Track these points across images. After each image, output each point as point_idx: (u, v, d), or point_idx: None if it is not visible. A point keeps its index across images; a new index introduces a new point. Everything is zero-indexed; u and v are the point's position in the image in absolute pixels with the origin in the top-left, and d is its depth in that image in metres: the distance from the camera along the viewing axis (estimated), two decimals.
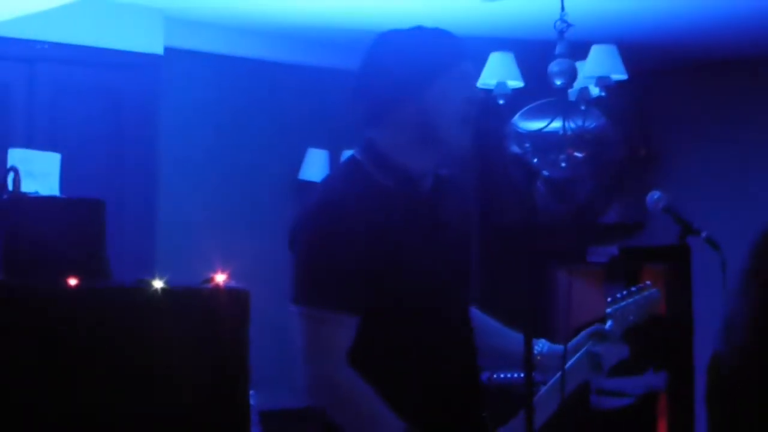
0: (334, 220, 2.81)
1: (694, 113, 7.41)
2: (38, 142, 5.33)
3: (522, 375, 2.65)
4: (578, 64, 5.23)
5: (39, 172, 2.98)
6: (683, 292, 7.26)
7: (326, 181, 3.08)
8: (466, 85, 2.96)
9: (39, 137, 5.49)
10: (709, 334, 2.69)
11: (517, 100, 5.37)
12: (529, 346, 2.64)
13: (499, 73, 5.32)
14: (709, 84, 7.32)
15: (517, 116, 5.34)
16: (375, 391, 2.80)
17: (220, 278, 2.37)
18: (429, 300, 2.89)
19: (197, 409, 2.33)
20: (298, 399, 2.87)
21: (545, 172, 5.28)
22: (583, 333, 3.29)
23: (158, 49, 6.01)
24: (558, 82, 5.22)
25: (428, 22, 3.00)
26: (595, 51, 5.26)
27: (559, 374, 3.08)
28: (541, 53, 5.26)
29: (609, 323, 3.31)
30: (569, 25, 5.24)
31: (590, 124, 5.26)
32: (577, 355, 3.23)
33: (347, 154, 3.10)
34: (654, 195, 4.20)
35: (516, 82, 5.37)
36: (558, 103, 5.29)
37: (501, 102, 5.28)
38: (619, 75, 5.24)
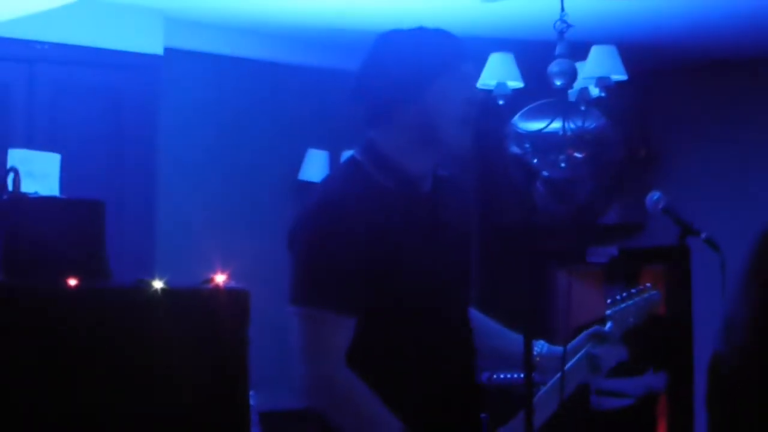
0: (333, 221, 2.81)
1: (694, 113, 7.41)
2: (38, 142, 5.33)
3: (521, 375, 2.65)
4: (578, 65, 5.23)
5: (39, 173, 2.98)
6: (683, 293, 7.26)
7: (326, 181, 3.08)
8: (467, 86, 2.96)
9: (39, 138, 5.49)
10: (709, 334, 2.69)
11: (517, 100, 5.37)
12: (528, 347, 2.64)
13: (499, 73, 5.32)
14: (708, 84, 7.33)
15: (516, 117, 5.34)
16: (373, 392, 2.80)
17: (220, 279, 2.37)
18: (429, 300, 2.89)
19: (197, 410, 2.33)
20: (297, 399, 2.86)
21: (545, 173, 5.28)
22: (582, 335, 3.28)
23: (158, 50, 6.01)
24: (558, 83, 5.22)
25: (428, 23, 3.00)
26: (595, 51, 5.26)
27: (558, 375, 3.07)
28: (541, 54, 5.26)
29: (608, 325, 3.31)
30: (569, 26, 5.25)
31: (590, 124, 5.26)
32: (577, 356, 3.23)
33: (347, 154, 3.10)
34: (653, 196, 4.20)
35: (516, 83, 5.37)
36: (558, 103, 5.29)
37: (501, 102, 5.28)
38: (619, 75, 5.24)
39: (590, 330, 3.29)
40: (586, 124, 5.24)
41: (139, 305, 2.28)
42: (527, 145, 5.26)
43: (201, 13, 6.24)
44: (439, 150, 2.94)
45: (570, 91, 5.29)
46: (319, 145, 6.87)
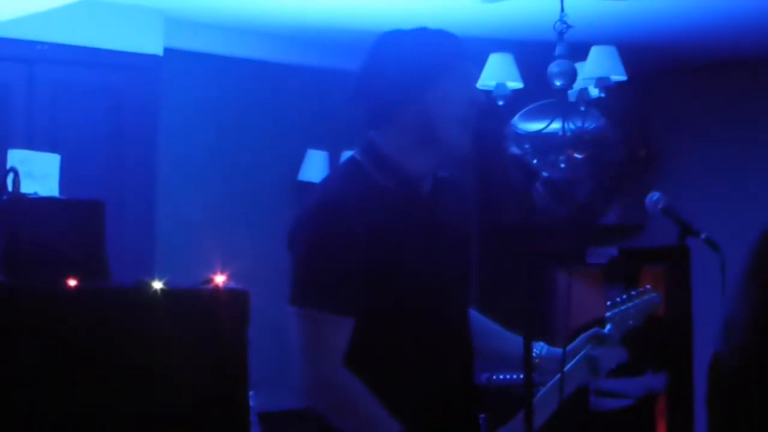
0: (333, 221, 2.80)
1: (694, 114, 7.41)
2: (38, 142, 5.33)
3: (521, 376, 2.65)
4: (578, 65, 5.24)
5: (38, 173, 2.98)
6: (682, 294, 7.26)
7: (326, 181, 3.08)
8: (468, 87, 2.96)
9: (39, 138, 5.49)
10: (709, 335, 2.69)
11: (516, 101, 5.37)
12: (528, 348, 2.64)
13: (498, 74, 5.32)
14: (708, 84, 7.33)
15: (516, 117, 5.34)
16: (373, 392, 2.80)
17: (220, 279, 2.37)
18: (428, 300, 2.89)
19: (197, 410, 2.33)
20: (297, 400, 2.87)
21: (545, 173, 5.28)
22: (582, 336, 3.28)
23: (158, 50, 6.01)
24: (557, 83, 5.22)
25: (428, 23, 3.00)
26: (595, 52, 5.27)
27: (557, 377, 3.07)
28: (541, 54, 5.26)
29: (608, 327, 3.31)
30: (569, 27, 5.25)
31: (590, 125, 5.27)
32: (576, 358, 3.22)
33: (347, 155, 3.10)
34: (653, 196, 4.19)
35: (515, 83, 5.37)
36: (557, 104, 5.30)
37: (500, 103, 5.28)
38: (619, 76, 5.25)
39: (590, 332, 3.29)
40: (586, 125, 5.24)
41: (139, 306, 2.28)
42: (527, 146, 5.27)
43: (201, 13, 6.24)
44: (439, 150, 2.94)
45: (570, 92, 5.29)
46: (318, 146, 6.87)
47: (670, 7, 5.99)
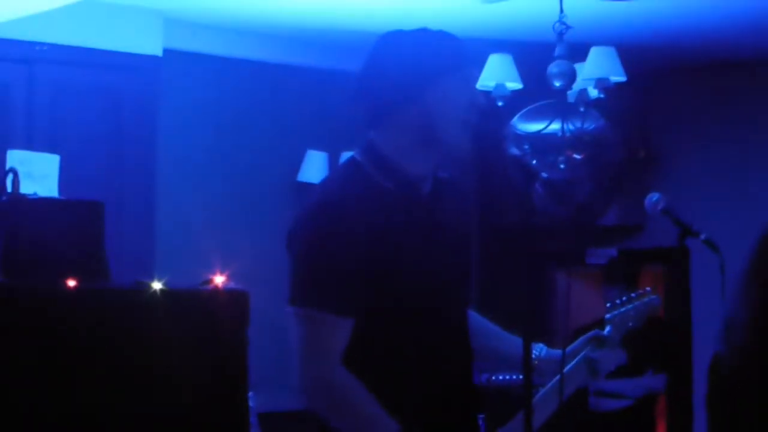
0: (333, 221, 2.80)
1: (694, 114, 7.42)
2: (37, 143, 5.34)
3: (520, 377, 2.65)
4: (577, 66, 5.24)
5: (38, 174, 2.98)
6: (682, 294, 7.26)
7: (325, 182, 3.08)
8: (468, 88, 2.95)
9: (38, 138, 5.49)
10: (708, 335, 2.69)
11: (516, 101, 5.37)
12: (528, 348, 2.64)
13: (498, 74, 5.32)
14: (708, 85, 7.33)
15: (516, 118, 5.34)
16: (372, 392, 2.80)
17: (219, 280, 2.37)
18: (428, 301, 2.89)
19: (196, 411, 2.33)
20: (296, 401, 2.87)
21: (544, 174, 5.28)
22: (581, 338, 3.28)
23: (157, 51, 6.01)
24: (557, 84, 5.22)
25: (427, 24, 3.00)
26: (594, 53, 5.27)
27: (557, 378, 3.07)
28: (540, 55, 5.26)
29: (608, 329, 3.31)
30: (568, 27, 5.25)
31: (589, 125, 5.27)
32: (575, 360, 3.22)
33: (346, 155, 3.10)
34: (653, 197, 4.20)
35: (515, 84, 5.37)
36: (557, 104, 5.30)
37: (500, 103, 5.29)
38: (618, 77, 5.25)
39: (589, 333, 3.29)
40: (585, 126, 5.24)
41: (139, 306, 2.28)
42: (526, 147, 5.27)
43: (200, 14, 6.24)
44: (439, 151, 2.94)
45: (569, 93, 5.29)
46: (318, 146, 6.87)
47: (669, 8, 5.99)
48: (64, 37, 5.70)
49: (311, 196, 2.94)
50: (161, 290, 2.27)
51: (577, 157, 5.30)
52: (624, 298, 3.40)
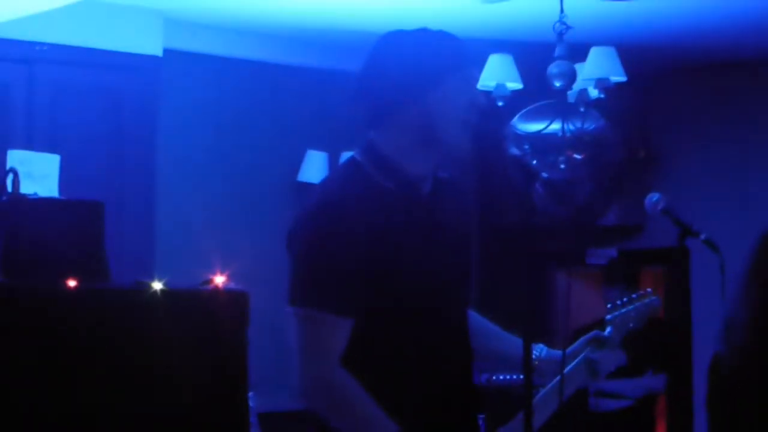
0: (333, 221, 2.80)
1: (694, 114, 7.42)
2: (37, 143, 5.34)
3: (521, 377, 2.65)
4: (577, 66, 5.24)
5: (38, 174, 2.98)
6: (682, 294, 7.26)
7: (325, 182, 3.08)
8: (469, 89, 2.95)
9: (38, 138, 5.49)
10: (708, 335, 2.69)
11: (516, 101, 5.37)
12: (528, 348, 2.64)
13: (498, 74, 5.32)
14: (708, 85, 7.33)
15: (516, 118, 5.34)
16: (372, 392, 2.80)
17: (219, 280, 2.37)
18: (428, 301, 2.89)
19: (196, 411, 2.33)
20: (296, 401, 2.86)
21: (544, 174, 5.28)
22: (581, 339, 3.28)
23: (157, 51, 6.01)
24: (557, 84, 5.22)
25: (427, 24, 3.00)
26: (594, 53, 5.26)
27: (557, 378, 3.07)
28: (541, 55, 5.26)
29: (608, 330, 3.31)
30: (568, 27, 5.25)
31: (589, 125, 5.27)
32: (575, 361, 3.22)
33: (346, 155, 3.10)
34: (653, 197, 4.20)
35: (515, 84, 5.37)
36: (557, 104, 5.30)
37: (500, 104, 5.28)
38: (618, 77, 5.24)
39: (589, 334, 3.29)
40: (586, 126, 5.24)
41: (139, 306, 2.28)
42: (526, 147, 5.27)
43: (200, 14, 6.24)
44: (439, 151, 2.94)
45: (569, 93, 5.29)
46: (318, 147, 6.88)
47: (669, 8, 5.99)
48: (64, 37, 5.70)
49: (311, 196, 2.93)
50: (161, 290, 2.27)
51: (578, 157, 5.30)
52: (624, 299, 3.40)
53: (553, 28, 5.26)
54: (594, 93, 5.25)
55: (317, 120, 6.94)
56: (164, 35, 6.05)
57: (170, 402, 2.30)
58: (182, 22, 6.26)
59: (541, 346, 3.20)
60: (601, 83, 5.19)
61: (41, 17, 5.50)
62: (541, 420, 3.05)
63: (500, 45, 5.54)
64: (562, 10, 5.28)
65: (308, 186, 6.65)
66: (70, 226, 2.41)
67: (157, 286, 2.28)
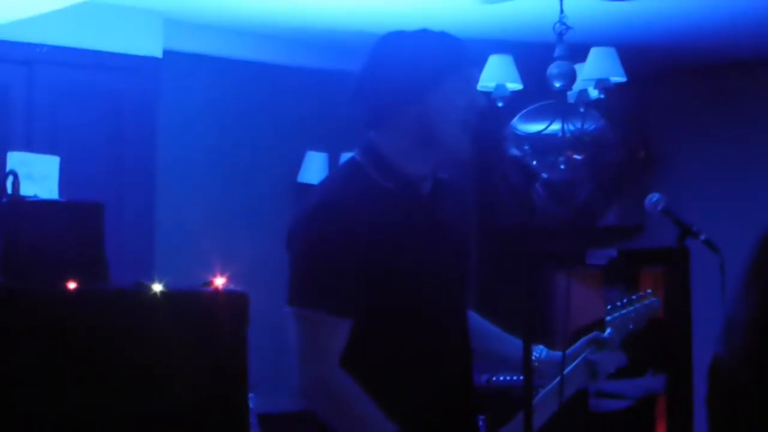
0: (333, 221, 2.80)
1: (694, 114, 7.41)
2: (37, 144, 5.33)
3: (520, 378, 2.65)
4: (577, 67, 5.24)
5: (38, 175, 2.98)
6: (682, 295, 7.26)
7: (325, 182, 3.08)
8: (469, 90, 2.96)
9: (38, 140, 5.49)
10: (708, 336, 2.69)
11: (516, 102, 5.37)
12: (528, 349, 2.64)
13: (498, 75, 5.32)
14: (708, 85, 7.33)
15: (516, 119, 5.34)
16: (371, 393, 2.80)
17: (219, 281, 2.37)
18: (428, 301, 2.89)
19: (196, 412, 2.33)
20: (296, 402, 2.87)
21: (544, 175, 5.28)
22: (581, 340, 3.28)
23: (157, 52, 6.01)
24: (557, 85, 5.22)
25: (427, 24, 3.00)
26: (594, 53, 5.27)
27: (557, 379, 3.07)
28: (540, 56, 5.26)
29: (608, 331, 3.31)
30: (568, 28, 5.25)
31: (589, 126, 5.27)
32: (575, 362, 3.22)
33: (346, 156, 3.10)
34: (653, 197, 4.20)
35: (515, 85, 5.37)
36: (557, 105, 5.30)
37: (500, 104, 5.28)
38: (618, 77, 5.25)
39: (589, 336, 3.29)
40: (585, 126, 5.24)
41: (139, 307, 2.29)
42: (526, 147, 5.27)
43: (200, 15, 6.24)
44: (439, 152, 2.94)
45: (569, 93, 5.29)
46: (318, 147, 6.87)
47: (669, 8, 5.99)
48: (64, 39, 5.70)
49: (311, 197, 2.93)
50: (161, 292, 2.28)
51: (577, 157, 5.30)
52: (624, 301, 3.40)
53: (553, 28, 5.26)
54: (594, 93, 5.25)
55: (317, 121, 6.94)
56: (164, 36, 6.05)
57: (170, 403, 2.30)
58: (182, 24, 6.26)
59: (540, 347, 3.20)
60: (601, 84, 5.19)
61: (41, 19, 5.50)
62: (541, 421, 3.05)
63: (500, 45, 5.55)
64: (561, 11, 5.28)
65: (308, 187, 6.65)
66: (70, 228, 2.41)
67: (157, 287, 2.28)
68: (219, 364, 2.36)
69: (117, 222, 5.32)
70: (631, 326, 3.36)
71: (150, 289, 2.28)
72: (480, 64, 5.13)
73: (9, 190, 2.58)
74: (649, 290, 3.50)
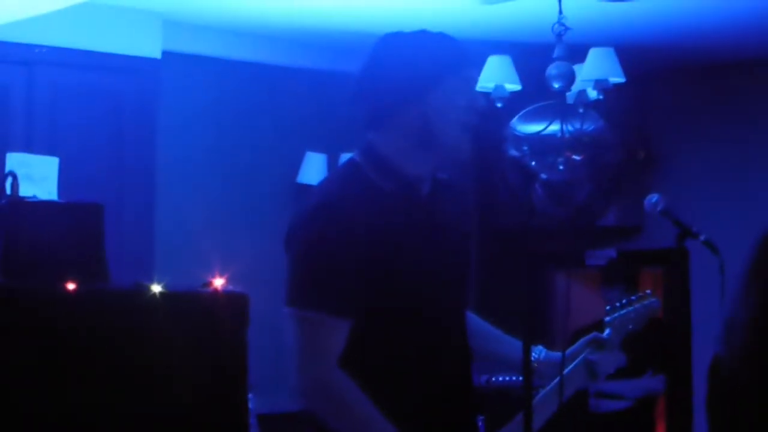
0: (332, 222, 2.80)
1: (693, 114, 7.41)
2: (37, 145, 5.34)
3: (520, 378, 2.65)
4: (576, 67, 5.24)
5: (37, 176, 2.99)
6: (681, 295, 7.26)
7: (324, 183, 3.08)
8: (469, 91, 2.96)
9: (38, 141, 5.49)
10: (708, 337, 2.69)
11: (515, 103, 5.37)
12: (527, 349, 2.64)
13: (497, 76, 5.33)
14: (708, 85, 7.33)
15: (515, 119, 5.35)
16: (371, 393, 2.80)
17: (219, 282, 2.37)
18: (427, 302, 2.89)
19: (196, 412, 2.33)
20: (296, 402, 2.86)
21: (543, 175, 5.28)
22: (581, 341, 3.28)
23: (156, 53, 6.01)
24: (556, 85, 5.23)
25: (426, 25, 3.00)
26: (593, 54, 5.27)
27: (556, 380, 3.07)
28: (539, 56, 5.26)
29: (607, 331, 3.31)
30: (567, 29, 5.25)
31: (588, 126, 5.27)
32: (575, 362, 3.22)
33: (346, 157, 3.10)
34: (652, 198, 4.20)
35: (514, 85, 5.37)
36: (556, 106, 5.30)
37: (499, 105, 5.29)
38: (617, 78, 5.25)
39: (589, 336, 3.29)
40: (584, 127, 5.24)
41: (139, 308, 2.29)
42: (525, 148, 5.27)
43: (199, 16, 6.24)
44: (438, 153, 2.94)
45: (568, 94, 5.30)
46: (317, 148, 6.87)
47: (668, 9, 5.99)
48: (63, 40, 5.71)
49: (310, 198, 2.93)
50: (161, 293, 2.28)
51: (576, 158, 5.30)
52: (624, 301, 3.40)
53: (552, 29, 5.27)
54: (593, 94, 5.25)
55: (316, 121, 6.94)
56: (163, 37, 6.05)
57: (170, 403, 2.30)
58: (181, 24, 6.26)
59: (540, 347, 3.20)
60: (600, 84, 5.20)
61: (40, 20, 5.50)
62: (540, 421, 3.05)
63: (499, 46, 5.55)
64: (560, 12, 5.28)
65: (307, 187, 6.64)
66: (69, 229, 2.41)
67: (156, 288, 2.28)
68: (219, 364, 2.36)
69: (117, 222, 5.32)
70: (630, 327, 3.36)
71: (150, 289, 2.28)
72: (479, 64, 5.14)
73: (8, 191, 2.59)
74: (648, 291, 3.50)
